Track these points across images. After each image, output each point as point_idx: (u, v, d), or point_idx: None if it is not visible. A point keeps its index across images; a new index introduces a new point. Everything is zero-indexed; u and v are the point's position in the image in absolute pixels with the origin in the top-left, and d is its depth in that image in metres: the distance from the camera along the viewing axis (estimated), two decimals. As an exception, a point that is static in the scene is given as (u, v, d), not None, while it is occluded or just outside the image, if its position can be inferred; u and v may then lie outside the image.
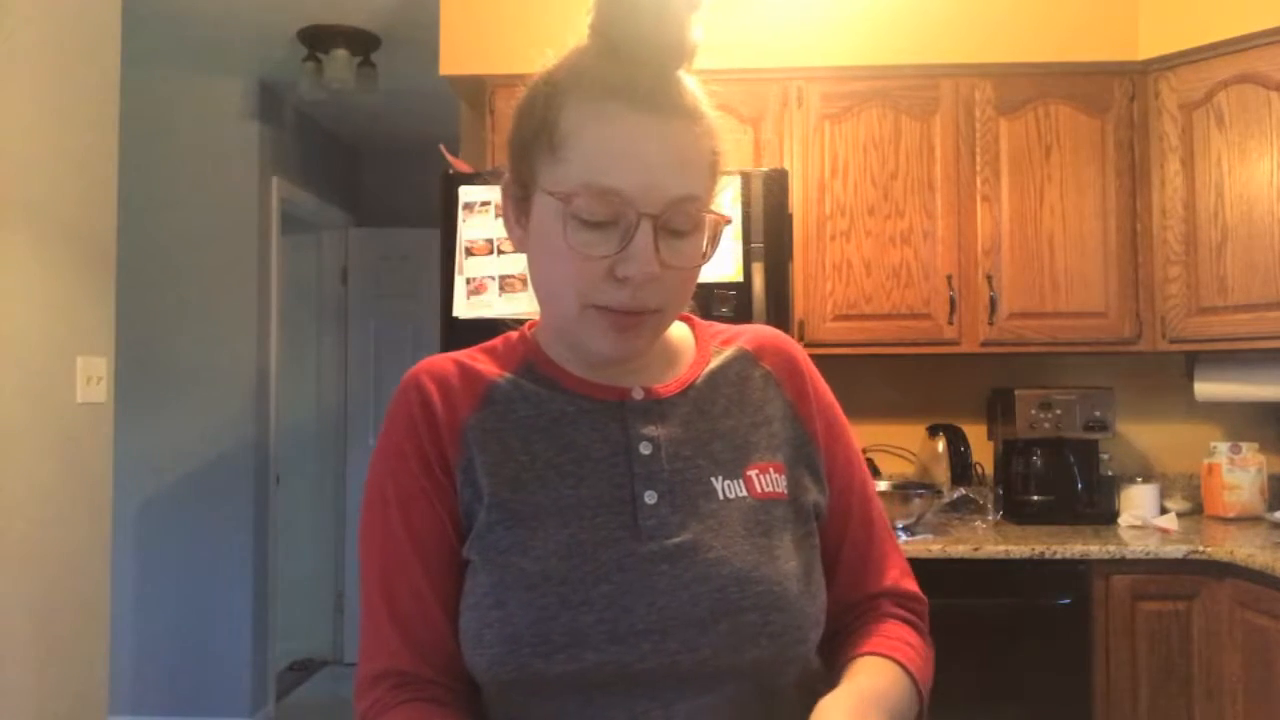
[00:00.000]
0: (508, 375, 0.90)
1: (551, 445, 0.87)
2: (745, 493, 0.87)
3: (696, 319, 0.98)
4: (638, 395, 0.89)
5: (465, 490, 0.86)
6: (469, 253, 2.42)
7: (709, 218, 0.84)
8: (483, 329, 2.33)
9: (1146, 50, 2.80)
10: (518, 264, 2.39)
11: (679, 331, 0.95)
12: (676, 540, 0.83)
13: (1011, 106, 2.83)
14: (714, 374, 0.93)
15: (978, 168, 2.83)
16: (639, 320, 0.83)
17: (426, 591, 0.85)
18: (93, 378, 2.45)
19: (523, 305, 2.39)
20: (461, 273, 2.41)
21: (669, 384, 0.91)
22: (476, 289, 2.40)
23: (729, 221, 0.87)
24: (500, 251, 2.41)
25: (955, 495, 2.85)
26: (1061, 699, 2.42)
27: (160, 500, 4.01)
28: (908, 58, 2.85)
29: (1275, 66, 2.60)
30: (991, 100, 2.83)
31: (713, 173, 0.85)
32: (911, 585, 0.97)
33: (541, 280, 0.87)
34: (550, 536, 0.83)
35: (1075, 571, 2.43)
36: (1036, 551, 2.43)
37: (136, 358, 3.85)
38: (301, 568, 4.79)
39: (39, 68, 2.31)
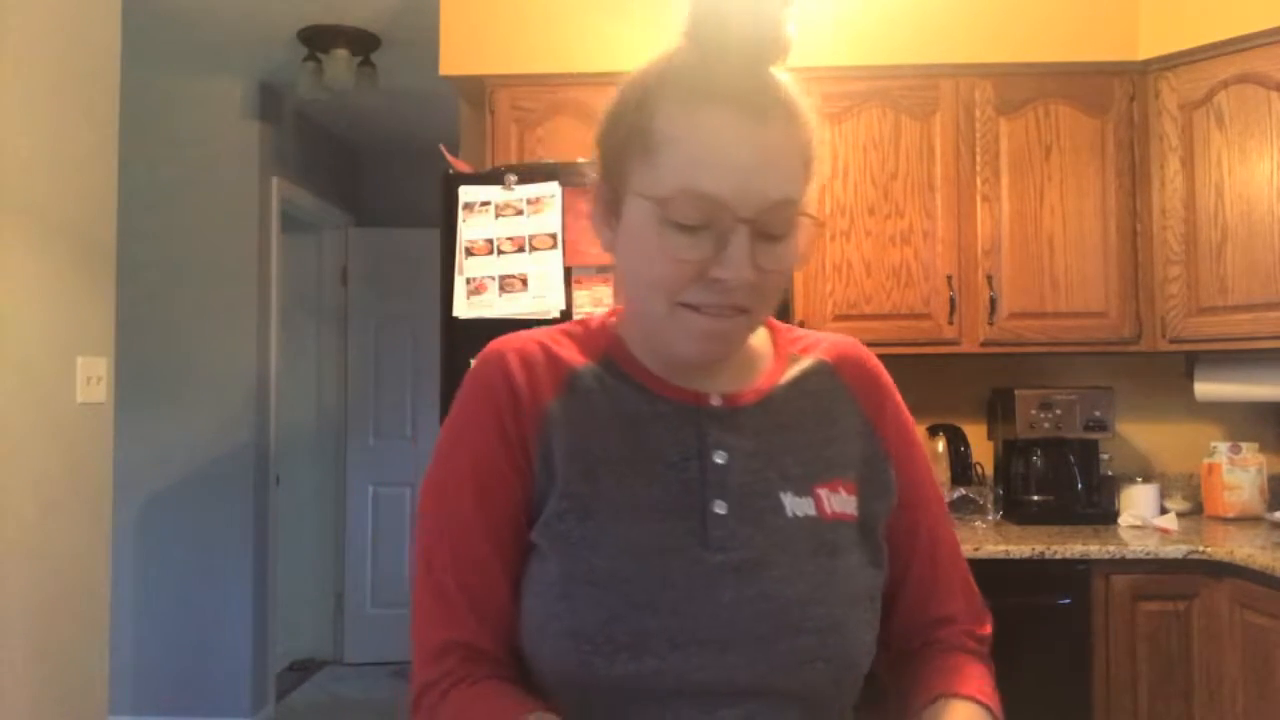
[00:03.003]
0: (589, 364, 0.89)
1: (626, 443, 0.86)
2: (814, 511, 0.86)
3: (777, 323, 0.97)
4: (715, 402, 0.88)
5: (541, 474, 0.85)
6: (469, 253, 2.42)
7: (803, 220, 0.83)
8: (483, 329, 2.34)
9: (1146, 50, 2.80)
10: (518, 264, 2.39)
11: (758, 335, 0.93)
12: (743, 554, 0.82)
13: (1011, 106, 2.83)
14: (791, 385, 0.91)
15: (978, 168, 2.83)
16: (729, 320, 0.82)
17: (496, 568, 0.84)
18: (93, 378, 2.45)
19: (523, 305, 2.39)
20: (461, 273, 2.41)
21: (746, 392, 0.89)
22: (476, 289, 2.40)
23: (823, 224, 0.86)
24: (500, 251, 2.41)
25: (955, 495, 2.85)
26: (1061, 699, 2.42)
27: (160, 500, 4.01)
28: (908, 58, 2.85)
29: (1275, 66, 2.60)
30: (991, 100, 2.83)
31: (807, 171, 0.84)
32: (976, 615, 0.96)
33: (631, 280, 0.86)
34: (620, 534, 0.82)
35: (1075, 571, 2.43)
36: (1036, 551, 2.43)
37: (136, 358, 3.85)
38: (301, 568, 4.79)
39: (39, 68, 2.31)
